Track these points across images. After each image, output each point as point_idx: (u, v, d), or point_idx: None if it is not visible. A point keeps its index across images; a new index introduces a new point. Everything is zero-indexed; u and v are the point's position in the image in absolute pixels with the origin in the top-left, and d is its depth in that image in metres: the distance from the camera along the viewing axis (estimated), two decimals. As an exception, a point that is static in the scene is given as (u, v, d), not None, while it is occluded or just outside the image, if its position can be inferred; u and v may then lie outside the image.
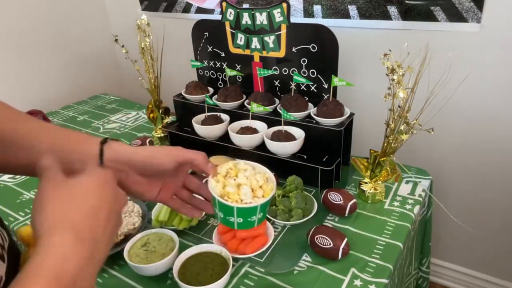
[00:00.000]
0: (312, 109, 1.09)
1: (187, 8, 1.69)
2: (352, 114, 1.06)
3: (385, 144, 0.94)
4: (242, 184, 0.64)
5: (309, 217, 0.92)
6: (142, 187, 0.57)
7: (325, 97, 1.11)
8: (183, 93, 1.29)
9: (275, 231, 0.91)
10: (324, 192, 0.97)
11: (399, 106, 0.87)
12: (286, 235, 0.92)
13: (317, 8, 1.34)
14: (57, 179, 0.42)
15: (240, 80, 1.27)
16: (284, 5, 1.04)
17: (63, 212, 0.39)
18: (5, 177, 1.24)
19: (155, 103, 1.34)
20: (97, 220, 0.40)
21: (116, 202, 0.44)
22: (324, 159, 1.04)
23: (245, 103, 1.20)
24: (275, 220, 0.92)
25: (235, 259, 0.82)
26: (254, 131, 1.10)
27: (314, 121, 1.05)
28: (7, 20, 1.65)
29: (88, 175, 0.43)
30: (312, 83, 1.12)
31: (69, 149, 0.51)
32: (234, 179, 0.65)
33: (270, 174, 0.67)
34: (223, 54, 1.25)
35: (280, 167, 1.07)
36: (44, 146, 0.50)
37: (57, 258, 0.35)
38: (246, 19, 1.12)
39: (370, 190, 1.00)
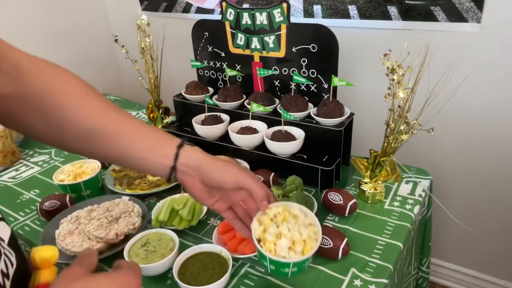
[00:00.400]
0: (312, 109, 1.09)
1: (187, 8, 1.69)
2: (352, 114, 1.06)
3: (385, 144, 0.94)
4: (283, 236, 0.65)
5: (309, 217, 0.92)
6: (201, 194, 0.62)
7: (325, 97, 1.11)
8: (183, 93, 1.29)
9: (275, 231, 0.91)
10: (324, 192, 0.97)
11: (399, 106, 0.87)
12: (286, 235, 0.91)
13: (317, 8, 1.34)
14: (75, 274, 0.41)
15: (240, 80, 1.27)
16: (284, 5, 1.04)
17: None
18: (5, 177, 1.24)
19: (155, 103, 1.34)
20: None
21: None
22: (324, 159, 1.04)
23: (245, 103, 1.20)
24: (275, 220, 0.92)
25: (235, 259, 0.82)
26: (254, 131, 1.10)
27: (314, 121, 1.05)
28: (6, 20, 1.65)
29: (107, 277, 0.41)
30: (312, 83, 1.12)
31: (147, 149, 0.57)
32: (278, 226, 0.66)
33: (318, 229, 0.67)
34: (223, 54, 1.25)
35: (280, 167, 1.07)
36: (126, 144, 0.56)
37: None
38: (246, 19, 1.12)
39: (370, 190, 1.00)
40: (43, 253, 0.49)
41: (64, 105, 0.52)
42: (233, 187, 0.62)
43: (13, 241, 0.47)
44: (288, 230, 0.66)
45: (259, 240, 0.65)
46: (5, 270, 0.42)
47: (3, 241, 0.44)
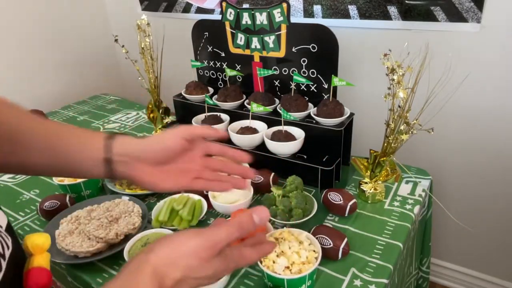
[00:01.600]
0: (312, 109, 1.09)
1: (187, 8, 1.69)
2: (352, 114, 1.06)
3: (385, 144, 0.94)
4: (283, 254, 0.71)
5: (309, 217, 0.92)
6: (154, 178, 0.55)
7: (325, 97, 1.11)
8: (183, 93, 1.29)
9: (275, 231, 0.91)
10: (324, 192, 0.97)
11: (399, 106, 0.87)
12: (286, 235, 0.91)
13: (317, 8, 1.34)
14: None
15: (240, 80, 1.27)
16: (284, 5, 1.04)
17: None
18: (5, 177, 1.24)
19: (155, 103, 1.34)
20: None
21: None
22: (324, 159, 1.04)
23: (245, 103, 1.20)
24: (275, 220, 0.92)
25: (235, 259, 0.82)
26: (254, 131, 1.10)
27: (314, 121, 1.05)
28: (7, 20, 1.65)
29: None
30: (312, 83, 1.12)
31: (75, 144, 0.52)
32: (280, 242, 0.73)
33: (319, 255, 0.72)
34: (223, 54, 1.25)
35: (280, 167, 1.07)
36: (52, 141, 0.51)
37: None
38: (246, 19, 1.12)
39: (370, 190, 1.00)
40: (35, 240, 0.51)
41: None
42: (181, 145, 0.56)
43: (10, 229, 0.48)
44: (289, 248, 0.72)
45: (261, 260, 0.71)
46: (1, 251, 0.43)
47: (1, 227, 0.45)
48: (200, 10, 1.65)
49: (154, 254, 0.43)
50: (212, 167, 0.60)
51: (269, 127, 1.11)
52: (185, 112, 1.29)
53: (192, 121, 1.18)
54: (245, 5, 1.50)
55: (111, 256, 0.85)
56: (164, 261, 0.43)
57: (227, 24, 1.17)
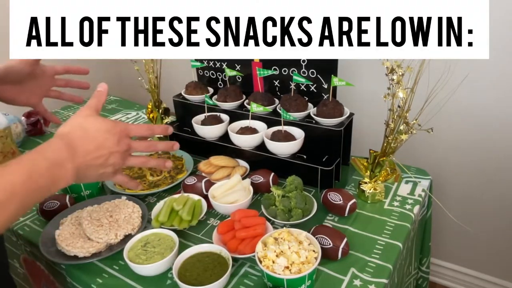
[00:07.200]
0: (312, 109, 1.09)
1: (187, 8, 1.69)
2: (352, 114, 1.06)
3: (385, 144, 0.94)
4: (282, 254, 0.73)
5: (308, 217, 0.92)
6: (13, 95, 0.79)
7: (325, 97, 1.11)
8: (183, 93, 1.29)
9: (275, 231, 0.91)
10: (323, 192, 0.97)
11: (398, 106, 0.87)
12: (286, 235, 0.91)
13: (317, 8, 1.34)
14: (86, 113, 0.65)
15: (240, 80, 1.27)
16: (284, 5, 1.04)
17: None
18: (5, 177, 1.24)
19: (155, 103, 1.34)
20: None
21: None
22: (324, 159, 1.04)
23: (245, 103, 1.20)
24: (274, 220, 0.92)
25: (235, 259, 0.82)
26: (254, 131, 1.10)
27: (314, 121, 1.05)
28: (6, 20, 1.65)
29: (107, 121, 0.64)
30: (312, 83, 1.12)
31: None
32: (277, 239, 0.75)
33: (318, 255, 0.73)
34: (223, 54, 1.24)
35: (280, 167, 1.07)
36: None
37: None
38: (246, 19, 1.12)
39: (370, 190, 1.00)
40: None
41: None
42: (28, 69, 0.77)
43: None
44: (288, 248, 0.73)
45: (260, 261, 0.73)
46: None
47: None
48: (200, 10, 1.65)
49: (68, 128, 0.60)
50: (58, 84, 0.88)
51: (268, 127, 1.11)
52: (185, 112, 1.30)
53: (192, 121, 1.18)
54: (245, 5, 1.49)
55: (111, 257, 0.85)
56: (78, 134, 0.59)
57: (227, 24, 1.17)
